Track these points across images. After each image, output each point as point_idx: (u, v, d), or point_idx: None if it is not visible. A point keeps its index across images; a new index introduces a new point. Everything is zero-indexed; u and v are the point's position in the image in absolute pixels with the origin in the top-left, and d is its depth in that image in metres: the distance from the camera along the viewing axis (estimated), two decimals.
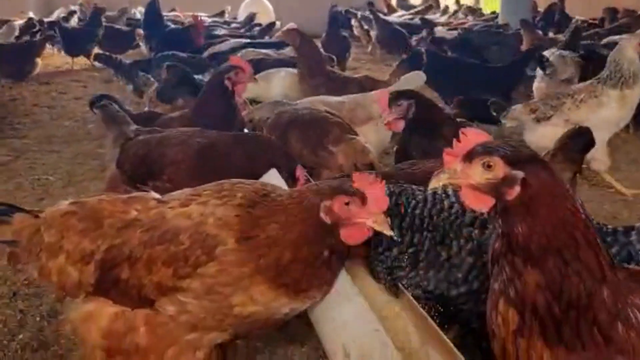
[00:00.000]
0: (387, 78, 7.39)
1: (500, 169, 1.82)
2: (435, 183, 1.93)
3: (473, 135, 1.92)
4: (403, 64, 7.68)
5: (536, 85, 7.75)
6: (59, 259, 2.54)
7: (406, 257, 2.67)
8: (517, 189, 1.80)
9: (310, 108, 5.19)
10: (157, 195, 2.69)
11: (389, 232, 2.35)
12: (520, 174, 1.80)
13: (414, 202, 2.73)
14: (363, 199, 2.32)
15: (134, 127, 4.46)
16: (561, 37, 10.76)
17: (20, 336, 3.54)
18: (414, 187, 2.83)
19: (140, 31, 10.83)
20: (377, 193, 2.33)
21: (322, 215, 2.35)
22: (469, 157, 1.87)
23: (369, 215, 2.33)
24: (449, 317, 2.73)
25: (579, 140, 4.16)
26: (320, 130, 4.74)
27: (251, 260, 2.34)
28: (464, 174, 1.88)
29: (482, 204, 1.88)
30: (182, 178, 3.65)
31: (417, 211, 2.70)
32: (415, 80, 6.20)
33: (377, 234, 2.42)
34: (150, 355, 2.48)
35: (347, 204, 2.33)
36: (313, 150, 4.64)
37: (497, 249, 1.83)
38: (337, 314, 2.32)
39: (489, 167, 1.83)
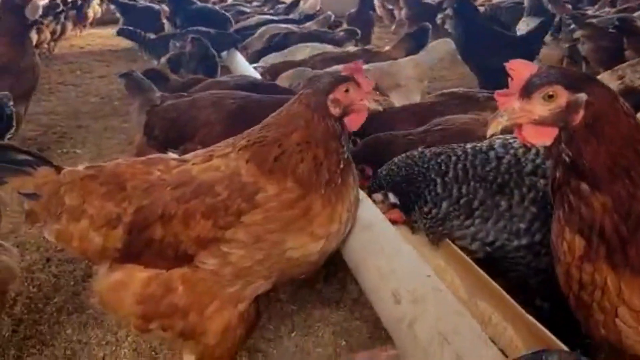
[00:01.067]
0: (387, 49, 7.24)
1: (563, 96, 1.72)
2: (495, 127, 1.82)
3: (522, 68, 1.81)
4: (406, 38, 7.47)
5: (545, 51, 7.68)
6: (81, 223, 2.45)
7: (458, 207, 2.61)
8: (581, 112, 1.71)
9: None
10: (174, 155, 2.65)
11: (380, 108, 2.56)
12: (583, 96, 1.71)
13: (454, 157, 2.67)
14: (357, 83, 2.46)
15: (159, 93, 4.41)
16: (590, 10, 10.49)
17: (55, 300, 3.55)
18: (453, 145, 2.78)
19: (166, 8, 10.74)
20: (363, 75, 2.51)
21: (331, 109, 2.43)
22: (526, 91, 1.77)
23: (365, 95, 2.49)
24: (502, 273, 2.64)
25: None
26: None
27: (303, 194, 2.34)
28: (525, 111, 1.78)
29: (545, 138, 1.78)
30: (215, 140, 3.58)
31: (460, 165, 2.64)
32: (442, 47, 6.05)
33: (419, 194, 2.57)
34: (190, 314, 2.43)
35: (346, 90, 2.45)
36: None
37: (559, 177, 1.75)
38: (384, 262, 2.25)
39: (550, 97, 1.73)
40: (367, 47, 7.77)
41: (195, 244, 2.36)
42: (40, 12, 10.99)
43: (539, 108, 1.76)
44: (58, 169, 2.54)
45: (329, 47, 7.13)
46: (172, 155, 2.67)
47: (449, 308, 1.95)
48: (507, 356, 1.65)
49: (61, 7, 11.87)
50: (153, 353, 3.08)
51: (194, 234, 2.35)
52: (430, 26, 7.51)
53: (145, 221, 2.39)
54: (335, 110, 2.43)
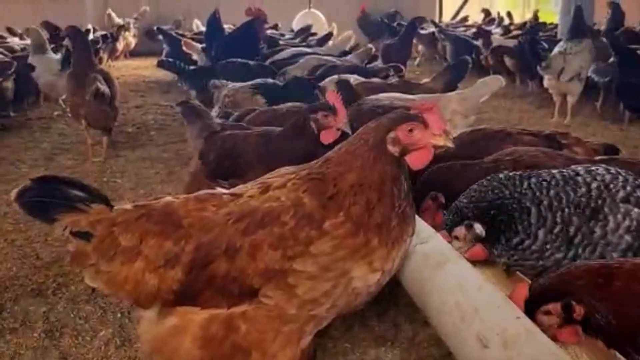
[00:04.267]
0: (426, 81, 7.21)
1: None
2: None
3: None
4: (446, 71, 7.42)
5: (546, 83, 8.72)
6: (136, 265, 2.33)
7: (554, 237, 2.48)
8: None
9: (389, 99, 5.20)
10: (225, 190, 2.54)
11: (451, 144, 2.38)
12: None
13: (545, 183, 2.55)
14: (425, 123, 2.35)
15: (219, 120, 4.39)
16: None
17: (102, 332, 3.46)
18: (538, 171, 2.65)
19: (189, 40, 10.79)
20: (435, 115, 2.38)
21: (389, 147, 2.34)
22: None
23: (432, 137, 2.37)
24: None
25: None
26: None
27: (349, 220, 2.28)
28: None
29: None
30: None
31: (552, 191, 2.52)
32: (493, 84, 5.97)
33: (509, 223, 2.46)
34: (253, 354, 2.31)
35: (410, 130, 2.35)
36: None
37: None
38: (464, 299, 2.13)
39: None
40: (406, 79, 7.74)
41: (262, 277, 2.26)
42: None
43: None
44: (111, 207, 2.43)
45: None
46: (222, 190, 2.57)
47: (546, 351, 1.81)
48: None
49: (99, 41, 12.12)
50: None
51: (262, 265, 2.25)
52: (470, 60, 7.45)
53: (207, 258, 2.29)
54: (393, 149, 2.35)
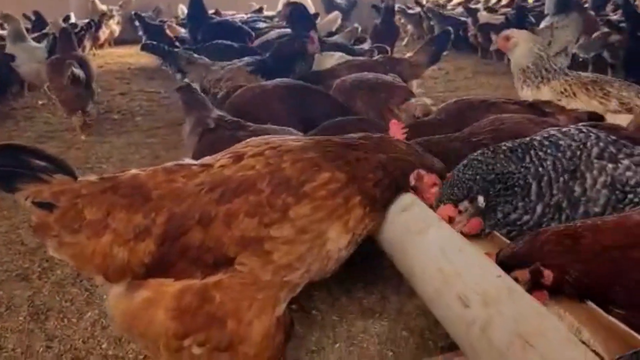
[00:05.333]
0: (410, 55, 7.15)
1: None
2: None
3: None
4: (429, 43, 7.34)
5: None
6: (103, 239, 2.27)
7: (550, 210, 2.54)
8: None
9: (374, 73, 5.20)
10: (194, 162, 2.51)
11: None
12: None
13: (542, 154, 2.59)
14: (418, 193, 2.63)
15: (215, 114, 4.29)
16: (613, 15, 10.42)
17: (89, 314, 3.44)
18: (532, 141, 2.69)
19: (173, 25, 10.68)
20: (429, 190, 2.64)
21: (412, 176, 2.60)
22: None
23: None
24: None
25: None
26: (386, 93, 4.77)
27: (345, 186, 2.36)
28: None
29: None
30: None
31: (549, 163, 2.56)
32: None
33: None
34: (229, 323, 2.28)
35: (434, 184, 2.64)
36: (380, 112, 4.61)
37: None
38: (446, 263, 2.11)
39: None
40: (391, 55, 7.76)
41: (238, 245, 2.24)
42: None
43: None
44: (76, 177, 2.35)
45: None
46: (190, 161, 2.54)
47: (528, 309, 1.80)
48: (602, 358, 1.50)
49: (79, 28, 11.98)
50: None
51: (237, 234, 2.23)
52: (452, 30, 7.41)
53: (180, 229, 2.25)
54: (413, 180, 2.62)
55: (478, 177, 2.56)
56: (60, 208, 2.28)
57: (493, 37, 11.37)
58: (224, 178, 2.32)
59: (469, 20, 13.04)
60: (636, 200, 2.51)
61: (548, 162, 2.55)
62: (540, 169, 2.55)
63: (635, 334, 1.82)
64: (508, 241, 2.43)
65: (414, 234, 2.39)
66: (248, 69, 6.48)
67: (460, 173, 2.61)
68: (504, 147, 2.66)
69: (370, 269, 3.78)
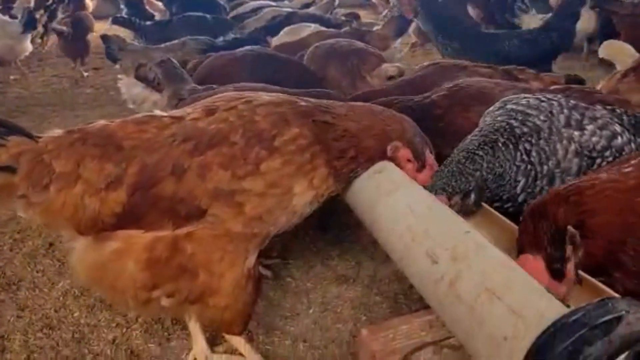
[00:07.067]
0: (377, 28, 7.16)
1: None
2: None
3: None
4: (395, 18, 7.32)
5: None
6: (74, 190, 2.25)
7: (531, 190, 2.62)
8: None
9: (348, 40, 5.22)
10: (165, 113, 2.50)
11: None
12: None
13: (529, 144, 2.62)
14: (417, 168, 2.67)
15: (190, 85, 4.29)
16: None
17: (60, 284, 3.41)
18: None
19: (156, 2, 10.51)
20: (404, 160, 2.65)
21: (389, 148, 2.62)
22: None
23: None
24: None
25: None
26: (358, 60, 4.80)
27: (311, 144, 2.38)
28: None
29: None
30: None
31: (534, 154, 2.61)
32: None
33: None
34: (200, 274, 2.29)
35: (408, 160, 2.64)
36: (352, 80, 4.60)
37: None
38: (415, 221, 2.11)
39: None
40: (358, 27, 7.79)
41: (211, 197, 2.24)
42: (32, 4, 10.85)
43: None
44: (35, 138, 2.32)
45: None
46: (161, 112, 2.51)
47: (496, 263, 1.80)
48: (568, 306, 1.51)
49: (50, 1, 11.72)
50: (166, 334, 2.94)
51: (211, 186, 2.23)
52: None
53: (152, 179, 2.24)
54: (389, 150, 2.65)
55: (478, 173, 2.58)
56: (23, 168, 2.25)
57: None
58: (197, 130, 2.31)
59: None
60: (604, 165, 2.53)
61: (534, 154, 2.58)
62: (529, 166, 2.59)
63: (603, 286, 1.85)
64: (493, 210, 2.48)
65: (383, 195, 2.39)
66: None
67: (460, 165, 2.61)
68: (500, 145, 2.64)
69: (347, 237, 3.79)
